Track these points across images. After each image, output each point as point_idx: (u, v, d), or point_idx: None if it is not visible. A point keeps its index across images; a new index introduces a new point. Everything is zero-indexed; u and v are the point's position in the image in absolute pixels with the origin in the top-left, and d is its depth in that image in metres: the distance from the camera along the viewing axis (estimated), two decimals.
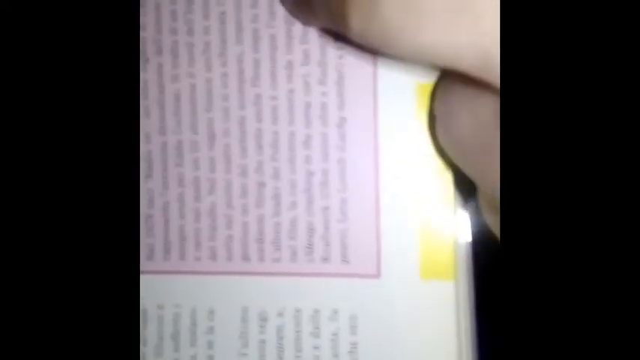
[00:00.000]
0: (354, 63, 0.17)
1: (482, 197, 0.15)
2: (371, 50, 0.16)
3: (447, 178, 0.17)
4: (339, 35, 0.16)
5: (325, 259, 0.17)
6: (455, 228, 0.17)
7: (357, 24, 0.12)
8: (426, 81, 0.17)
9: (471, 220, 0.17)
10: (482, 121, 0.13)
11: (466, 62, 0.11)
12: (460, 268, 0.17)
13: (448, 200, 0.17)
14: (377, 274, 0.17)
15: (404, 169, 0.17)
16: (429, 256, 0.17)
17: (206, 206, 0.18)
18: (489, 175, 0.13)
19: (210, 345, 0.18)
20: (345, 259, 0.17)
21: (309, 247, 0.17)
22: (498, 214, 0.14)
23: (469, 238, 0.17)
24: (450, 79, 0.14)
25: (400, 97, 0.17)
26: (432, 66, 0.16)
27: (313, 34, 0.17)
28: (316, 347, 0.17)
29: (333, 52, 0.17)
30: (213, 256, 0.18)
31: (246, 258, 0.18)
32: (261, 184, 0.18)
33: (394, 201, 0.17)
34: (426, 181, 0.17)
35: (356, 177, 0.17)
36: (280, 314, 0.17)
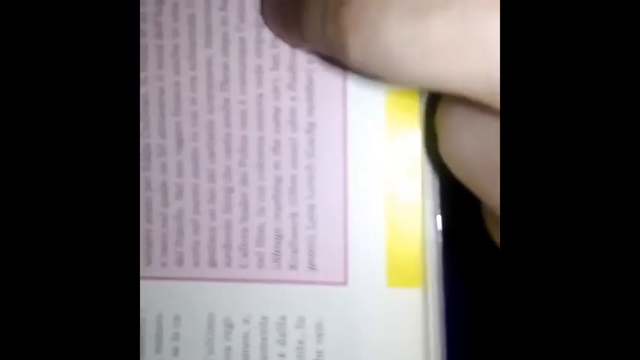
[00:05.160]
0: (323, 68, 0.17)
1: (486, 211, 0.15)
2: (371, 76, 0.15)
3: (415, 185, 0.17)
4: (330, 58, 0.15)
5: (292, 266, 0.17)
6: (422, 235, 0.17)
7: (357, 53, 0.12)
8: (395, 88, 0.17)
9: (439, 226, 0.17)
10: (487, 141, 0.12)
11: (474, 90, 0.11)
12: (428, 275, 0.17)
13: (416, 207, 0.17)
14: (344, 282, 0.17)
15: (372, 175, 0.17)
16: (395, 263, 0.17)
17: (173, 211, 0.18)
18: (494, 194, 0.13)
19: (175, 352, 0.18)
20: (312, 267, 0.17)
21: (277, 253, 0.17)
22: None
23: (438, 244, 0.17)
24: (452, 99, 0.14)
25: (370, 104, 0.17)
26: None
27: None
28: (282, 355, 0.17)
29: (303, 57, 0.17)
30: (179, 262, 0.18)
31: (213, 264, 0.18)
32: (229, 190, 0.17)
33: (362, 208, 0.17)
34: (393, 188, 0.17)
35: (324, 183, 0.17)
36: (246, 321, 0.17)
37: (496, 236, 0.15)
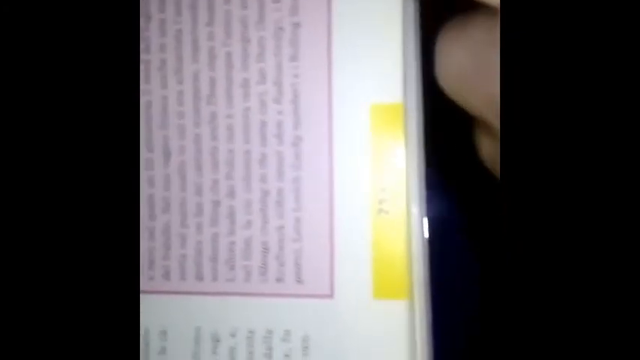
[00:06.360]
0: (309, 82, 0.17)
1: (480, 130, 0.15)
2: None
3: (401, 197, 0.17)
4: None
5: (279, 279, 0.17)
6: (409, 247, 0.17)
7: None
8: (379, 101, 0.17)
9: (426, 237, 0.17)
10: (477, 41, 0.13)
11: None
12: (415, 287, 0.17)
13: (401, 219, 0.17)
14: (330, 295, 0.17)
15: (358, 187, 0.17)
16: (382, 276, 0.17)
17: (160, 225, 0.18)
18: (487, 98, 0.13)
19: None
20: (298, 280, 0.17)
21: (263, 267, 0.17)
22: (497, 140, 0.14)
23: (425, 256, 0.17)
24: (449, 25, 0.15)
25: (355, 117, 0.17)
26: None
27: (269, 52, 0.17)
28: None
29: (289, 70, 0.17)
30: (166, 275, 0.18)
31: (199, 277, 0.17)
32: (216, 203, 0.18)
33: (348, 220, 0.17)
34: (379, 200, 0.17)
35: (310, 196, 0.17)
36: (233, 335, 0.17)
37: (491, 159, 0.15)
